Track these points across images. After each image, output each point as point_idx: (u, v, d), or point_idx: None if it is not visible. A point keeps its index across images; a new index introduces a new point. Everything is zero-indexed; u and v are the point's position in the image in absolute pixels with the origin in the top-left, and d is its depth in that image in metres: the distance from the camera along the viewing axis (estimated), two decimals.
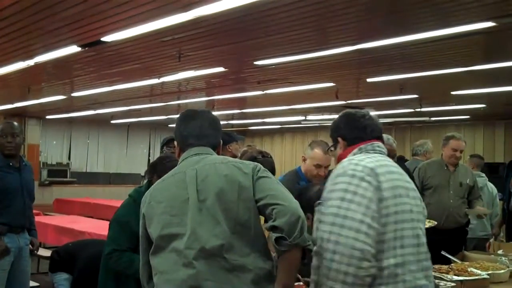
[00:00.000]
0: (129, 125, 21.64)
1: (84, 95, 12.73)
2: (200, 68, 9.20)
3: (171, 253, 2.45)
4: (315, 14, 6.12)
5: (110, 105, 14.83)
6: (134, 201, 3.57)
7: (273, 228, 2.42)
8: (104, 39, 7.08)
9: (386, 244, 2.44)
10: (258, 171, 2.57)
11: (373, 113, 2.95)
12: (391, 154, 5.00)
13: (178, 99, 14.29)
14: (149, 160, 22.01)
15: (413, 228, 2.55)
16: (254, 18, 6.33)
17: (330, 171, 4.22)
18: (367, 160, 2.60)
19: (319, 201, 2.62)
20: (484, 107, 13.59)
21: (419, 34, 6.55)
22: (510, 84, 10.07)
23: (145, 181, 4.81)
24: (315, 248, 2.57)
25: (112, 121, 19.68)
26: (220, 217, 2.44)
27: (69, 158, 20.86)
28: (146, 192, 2.70)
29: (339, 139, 2.86)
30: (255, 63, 8.71)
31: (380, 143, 2.81)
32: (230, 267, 2.38)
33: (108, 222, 3.95)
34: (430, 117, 16.21)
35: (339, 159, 2.80)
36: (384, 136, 5.23)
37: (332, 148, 2.95)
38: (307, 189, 3.68)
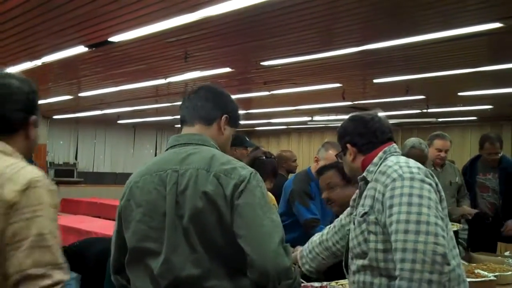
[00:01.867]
0: (135, 125, 21.67)
1: (91, 95, 12.77)
2: (207, 68, 9.21)
3: (145, 271, 2.22)
4: (321, 15, 6.12)
5: (117, 105, 14.86)
6: None
7: (250, 280, 2.13)
8: (111, 39, 7.11)
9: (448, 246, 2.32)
10: (241, 192, 2.14)
11: (381, 113, 2.83)
12: (421, 160, 4.95)
13: None
14: None
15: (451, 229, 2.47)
16: (261, 19, 6.34)
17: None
18: (411, 162, 2.49)
19: (363, 212, 2.48)
20: (491, 108, 13.56)
21: (425, 35, 6.54)
22: None
23: None
24: (360, 262, 2.47)
25: (119, 121, 19.72)
26: (195, 241, 2.13)
27: (76, 158, 20.94)
28: (128, 180, 2.38)
29: (348, 145, 2.70)
30: (262, 63, 8.71)
31: (395, 145, 2.69)
32: None
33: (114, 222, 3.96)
34: (437, 118, 16.18)
35: (363, 165, 2.63)
36: (416, 140, 5.21)
37: (342, 155, 2.79)
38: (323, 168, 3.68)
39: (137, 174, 2.35)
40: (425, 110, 13.61)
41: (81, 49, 7.68)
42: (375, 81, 10.34)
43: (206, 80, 10.82)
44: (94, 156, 21.38)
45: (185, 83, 11.24)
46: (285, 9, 5.84)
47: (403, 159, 2.52)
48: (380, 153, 2.59)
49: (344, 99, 11.85)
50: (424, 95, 11.88)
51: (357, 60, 8.51)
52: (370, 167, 2.58)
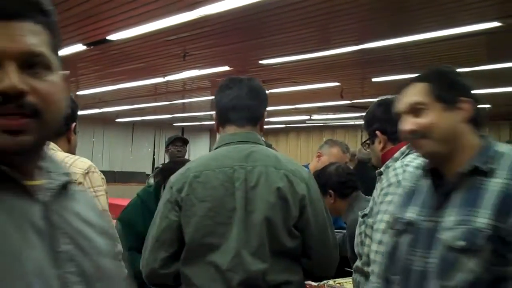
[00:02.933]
0: (134, 123, 21.66)
1: (89, 93, 12.76)
2: (205, 67, 9.21)
3: (209, 267, 2.20)
4: (320, 14, 6.12)
5: (115, 103, 14.86)
6: (142, 201, 3.55)
7: (311, 275, 2.35)
8: (109, 37, 7.11)
9: None
10: (308, 191, 2.25)
11: None
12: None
13: (183, 98, 14.31)
14: (153, 159, 22.07)
15: None
16: (259, 18, 6.34)
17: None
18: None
19: (364, 213, 2.38)
20: (488, 107, 13.56)
21: (423, 34, 6.55)
22: None
23: (151, 180, 4.83)
24: (358, 263, 2.42)
25: (117, 120, 19.71)
26: (264, 236, 2.18)
27: None
28: (182, 174, 2.31)
29: (378, 133, 2.48)
30: (260, 62, 8.71)
31: None
32: None
33: (113, 221, 3.95)
34: None
35: (384, 158, 2.46)
36: None
37: (369, 143, 2.58)
38: (325, 167, 3.65)
39: (193, 169, 2.29)
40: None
41: (79, 47, 7.68)
42: (373, 80, 10.35)
43: (205, 79, 10.84)
44: (92, 155, 21.36)
45: (184, 81, 11.24)
46: (283, 7, 5.84)
47: (420, 160, 2.13)
48: (403, 148, 2.37)
49: (342, 98, 11.85)
50: None
51: (356, 58, 8.51)
52: (389, 162, 2.39)
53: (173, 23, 6.20)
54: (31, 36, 0.97)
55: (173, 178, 2.34)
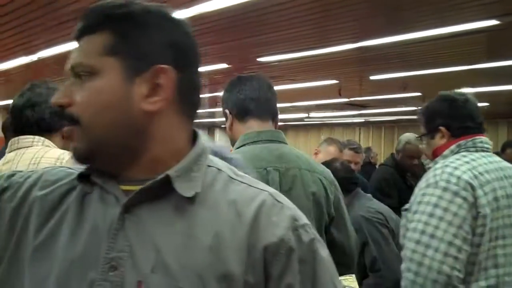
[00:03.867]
0: None
1: None
2: (203, 64, 9.14)
3: None
4: (318, 11, 6.11)
5: None
6: None
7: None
8: None
9: (477, 266, 2.16)
10: (338, 198, 2.23)
11: (471, 95, 2.55)
12: (416, 155, 4.97)
13: None
14: None
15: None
16: (257, 15, 6.32)
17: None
18: (464, 168, 2.25)
19: (405, 207, 2.38)
20: (487, 105, 13.58)
21: (421, 32, 6.54)
22: None
23: None
24: (402, 254, 2.38)
25: None
26: None
27: None
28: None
29: (443, 128, 2.46)
30: (258, 59, 8.70)
31: (482, 138, 2.42)
32: None
33: None
34: None
35: (435, 154, 2.48)
36: (411, 135, 5.14)
37: (426, 139, 2.58)
38: (330, 162, 3.62)
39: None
40: (421, 107, 13.63)
41: (76, 44, 7.63)
42: (371, 77, 10.35)
43: (203, 76, 10.79)
44: None
45: None
46: (281, 5, 5.83)
47: (462, 161, 2.29)
48: (453, 146, 2.40)
49: (340, 96, 11.85)
50: (420, 92, 11.89)
51: (354, 56, 8.50)
52: (438, 159, 2.42)
53: None
54: (81, 49, 1.04)
55: None
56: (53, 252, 1.03)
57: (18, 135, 2.25)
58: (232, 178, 1.09)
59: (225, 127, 2.40)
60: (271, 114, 2.27)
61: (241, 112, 2.25)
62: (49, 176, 1.13)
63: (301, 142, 22.68)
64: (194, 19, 6.15)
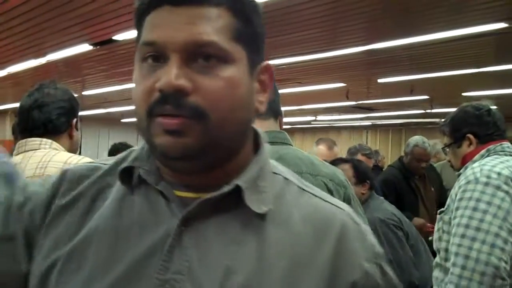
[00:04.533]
0: None
1: (95, 93, 12.78)
2: None
3: None
4: (326, 15, 6.11)
5: (121, 103, 14.87)
6: None
7: None
8: (115, 37, 7.11)
9: None
10: (349, 201, 2.11)
11: (492, 104, 2.67)
12: (424, 158, 4.96)
13: None
14: None
15: None
16: (265, 18, 6.29)
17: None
18: (501, 165, 2.32)
19: (441, 210, 2.42)
20: (495, 109, 13.52)
21: (429, 35, 6.53)
22: None
23: None
24: (437, 259, 2.41)
25: (123, 120, 19.74)
26: None
27: None
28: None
29: (470, 136, 2.56)
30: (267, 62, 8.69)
31: (509, 144, 2.53)
32: None
33: None
34: (441, 118, 16.14)
35: (464, 160, 2.55)
36: (419, 138, 5.15)
37: (452, 148, 2.66)
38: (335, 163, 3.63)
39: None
40: (428, 111, 13.60)
41: (85, 47, 7.69)
42: (379, 80, 10.33)
43: None
44: (97, 155, 21.40)
45: None
46: (289, 8, 5.83)
47: (496, 161, 2.37)
48: (483, 151, 2.49)
49: (348, 99, 11.83)
50: (428, 95, 11.87)
51: (362, 59, 8.49)
52: (469, 164, 2.46)
53: None
54: (202, 23, 0.82)
55: None
56: (84, 269, 0.87)
57: (25, 137, 2.23)
58: (303, 189, 0.96)
59: None
60: (273, 113, 2.18)
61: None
62: (71, 176, 0.97)
63: (308, 145, 22.63)
64: None
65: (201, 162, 0.85)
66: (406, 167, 5.07)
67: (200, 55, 0.82)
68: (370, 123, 19.61)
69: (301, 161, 2.07)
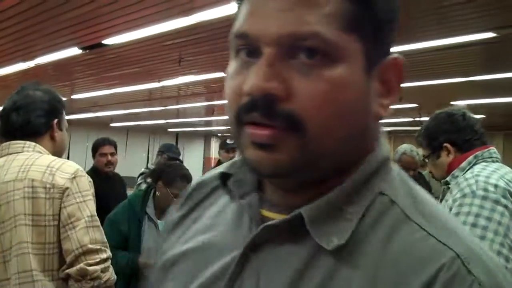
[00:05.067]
0: (128, 128, 21.62)
1: (84, 97, 12.73)
2: (200, 72, 9.19)
3: None
4: None
5: (110, 108, 14.84)
6: (129, 203, 3.56)
7: None
8: (105, 42, 7.09)
9: None
10: None
11: (468, 110, 2.51)
12: (411, 167, 4.96)
13: (177, 103, 14.29)
14: (148, 164, 21.98)
15: None
16: None
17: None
18: (495, 176, 2.21)
19: None
20: (483, 117, 13.61)
21: (420, 43, 6.55)
22: (509, 95, 10.08)
23: (143, 185, 4.83)
24: None
25: (112, 124, 19.67)
26: None
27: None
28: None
29: (447, 145, 2.43)
30: None
31: (495, 149, 2.43)
32: None
33: None
34: None
35: (449, 169, 2.42)
36: (408, 146, 5.12)
37: (432, 159, 2.52)
38: None
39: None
40: (417, 119, 13.64)
41: (75, 51, 7.65)
42: None
43: (199, 84, 10.82)
44: (86, 159, 21.28)
45: (179, 87, 11.23)
46: None
47: (488, 170, 2.26)
48: (470, 158, 2.36)
49: None
50: (417, 103, 11.91)
51: None
52: (456, 172, 2.36)
53: (170, 28, 6.18)
54: (302, 9, 0.66)
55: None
56: (175, 281, 0.82)
57: (9, 139, 2.22)
58: (409, 217, 0.70)
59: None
60: None
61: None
62: (193, 185, 0.91)
63: None
64: (193, 27, 6.16)
65: (298, 180, 0.71)
66: None
67: (301, 50, 0.66)
68: None
69: None
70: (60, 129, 2.29)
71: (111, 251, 3.34)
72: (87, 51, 7.70)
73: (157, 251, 0.89)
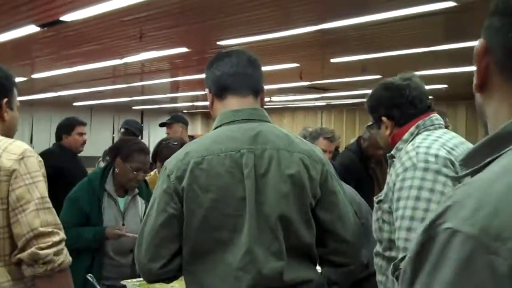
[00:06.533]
0: (92, 107, 21.37)
1: (45, 76, 12.52)
2: (163, 48, 9.10)
3: (219, 264, 1.97)
4: None
5: (72, 86, 14.63)
6: (89, 181, 3.53)
7: (329, 263, 2.18)
8: (63, 18, 6.95)
9: None
10: (326, 177, 2.06)
11: (415, 77, 2.46)
12: (381, 145, 4.99)
13: (142, 80, 14.15)
14: (113, 143, 21.84)
15: None
16: None
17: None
18: (436, 145, 2.20)
19: (379, 198, 2.31)
20: (445, 87, 13.76)
21: (380, 14, 6.57)
22: (471, 64, 10.14)
23: (102, 164, 4.81)
24: (379, 249, 2.32)
25: (75, 103, 19.42)
26: (278, 230, 1.96)
27: (31, 142, 20.56)
28: (180, 160, 2.01)
29: (384, 119, 2.41)
30: (218, 43, 8.64)
31: (437, 115, 2.38)
32: None
33: None
34: None
35: (393, 141, 2.39)
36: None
37: (374, 128, 2.54)
38: None
39: (194, 153, 2.01)
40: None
41: (32, 28, 7.49)
42: (332, 60, 10.38)
43: (163, 60, 10.73)
44: (50, 140, 21.00)
45: (142, 63, 11.12)
46: None
47: (430, 140, 2.24)
48: (412, 128, 2.33)
49: (301, 79, 11.87)
50: (380, 75, 11.97)
51: (315, 39, 8.51)
52: (400, 144, 2.34)
53: (129, 3, 6.09)
54: None
55: (169, 164, 2.03)
56: None
57: None
58: None
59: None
60: (252, 90, 2.14)
61: (218, 88, 2.14)
62: None
63: None
64: (153, 2, 6.08)
65: None
66: (363, 151, 5.09)
67: None
68: (325, 104, 19.73)
69: (278, 138, 2.03)
70: (11, 109, 2.18)
71: (72, 230, 3.32)
72: (46, 28, 7.55)
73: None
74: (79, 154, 5.53)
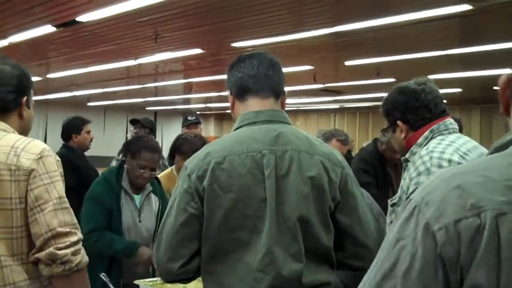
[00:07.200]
0: (106, 107, 21.47)
1: (60, 76, 12.60)
2: (177, 49, 9.13)
3: (239, 264, 1.97)
4: None
5: (87, 87, 14.71)
6: (105, 178, 3.53)
7: (347, 267, 2.12)
8: (79, 19, 7.00)
9: None
10: (346, 181, 2.06)
11: (430, 82, 2.48)
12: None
13: (155, 81, 14.20)
14: None
15: None
16: None
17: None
18: (450, 150, 2.22)
19: (393, 201, 2.31)
20: (460, 91, 13.69)
21: (395, 16, 6.56)
22: (485, 68, 10.14)
23: (114, 162, 4.81)
24: None
25: (89, 104, 19.52)
26: (297, 231, 1.96)
27: (45, 141, 20.67)
28: (201, 160, 2.01)
29: (399, 122, 2.43)
30: (233, 45, 8.66)
31: (451, 119, 2.40)
32: None
33: None
34: None
35: (408, 144, 2.42)
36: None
37: (388, 132, 2.54)
38: None
39: (215, 153, 2.01)
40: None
41: (49, 28, 7.55)
42: (346, 63, 10.36)
43: (177, 62, 10.76)
44: None
45: (156, 64, 11.16)
46: None
47: (443, 144, 2.26)
48: (426, 132, 2.35)
49: (315, 82, 11.86)
50: (394, 78, 11.94)
51: (329, 42, 8.50)
52: (414, 148, 2.36)
53: (145, 4, 6.12)
54: None
55: (190, 164, 2.03)
56: None
57: None
58: None
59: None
60: (273, 92, 2.13)
61: (239, 90, 2.14)
62: None
63: None
64: (168, 3, 6.11)
65: None
66: (380, 153, 5.08)
67: None
68: (338, 106, 19.70)
69: (299, 140, 2.04)
70: (28, 107, 2.20)
71: (108, 235, 3.33)
72: (61, 28, 7.60)
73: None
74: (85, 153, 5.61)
